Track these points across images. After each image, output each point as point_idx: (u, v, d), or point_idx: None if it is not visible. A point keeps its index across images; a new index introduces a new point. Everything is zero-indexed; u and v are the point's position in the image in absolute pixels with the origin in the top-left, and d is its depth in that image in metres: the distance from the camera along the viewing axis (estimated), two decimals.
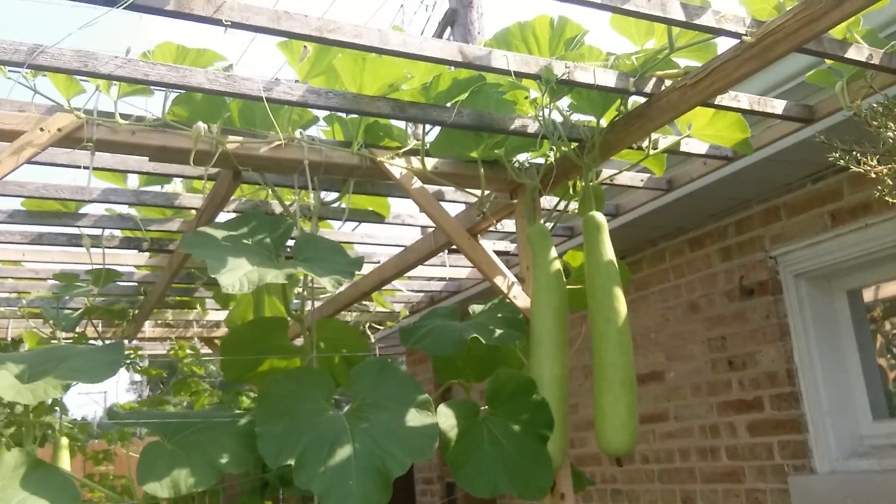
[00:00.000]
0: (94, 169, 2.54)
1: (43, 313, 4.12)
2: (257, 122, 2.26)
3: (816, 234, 3.45)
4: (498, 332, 2.22)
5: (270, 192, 2.87)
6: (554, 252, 2.26)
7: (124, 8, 1.43)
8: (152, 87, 2.05)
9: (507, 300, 2.39)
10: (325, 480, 1.75)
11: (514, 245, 3.85)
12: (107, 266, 3.05)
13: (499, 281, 2.39)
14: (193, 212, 3.04)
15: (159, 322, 4.92)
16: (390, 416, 1.94)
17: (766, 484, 3.72)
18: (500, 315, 2.33)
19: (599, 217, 2.19)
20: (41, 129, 1.89)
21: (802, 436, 3.53)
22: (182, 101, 2.14)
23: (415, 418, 1.96)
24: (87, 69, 1.74)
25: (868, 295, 3.70)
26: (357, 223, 3.57)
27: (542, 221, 2.45)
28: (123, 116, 2.01)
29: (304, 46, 2.03)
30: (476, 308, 2.44)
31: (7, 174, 1.85)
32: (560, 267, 2.26)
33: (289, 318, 2.41)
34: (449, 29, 10.45)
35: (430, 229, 3.47)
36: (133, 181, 2.96)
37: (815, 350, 3.55)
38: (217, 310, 4.84)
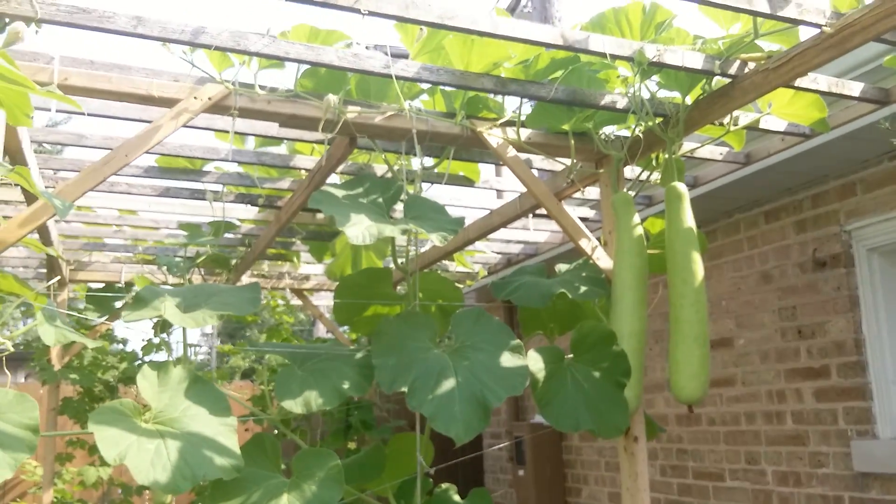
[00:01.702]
0: (217, 131, 2.87)
1: (157, 260, 4.55)
2: (372, 94, 2.53)
3: (891, 209, 3.55)
4: (583, 288, 2.45)
5: (373, 156, 3.16)
6: (636, 218, 2.48)
7: (289, 0, 1.70)
8: (285, 62, 2.33)
9: (591, 261, 2.62)
10: (433, 405, 2.04)
11: (593, 212, 4.06)
12: (226, 219, 3.40)
13: (583, 243, 2.62)
14: (303, 172, 3.35)
15: (255, 273, 5.33)
16: (487, 357, 2.21)
17: (829, 447, 3.88)
18: (584, 274, 2.56)
19: (681, 187, 2.40)
20: (195, 98, 2.20)
21: (867, 403, 3.67)
22: (309, 74, 2.43)
23: (508, 360, 2.23)
24: (239, 47, 2.03)
25: None
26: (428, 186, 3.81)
27: (624, 190, 2.67)
28: (260, 87, 2.31)
29: (420, 29, 2.28)
30: (562, 267, 2.67)
31: (168, 135, 2.17)
32: (641, 232, 2.48)
33: (393, 269, 2.70)
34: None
35: (512, 193, 3.71)
36: (249, 143, 3.29)
37: (883, 321, 3.67)
38: (308, 263, 5.21)
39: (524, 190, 3.61)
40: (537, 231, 4.48)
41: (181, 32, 1.97)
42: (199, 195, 3.47)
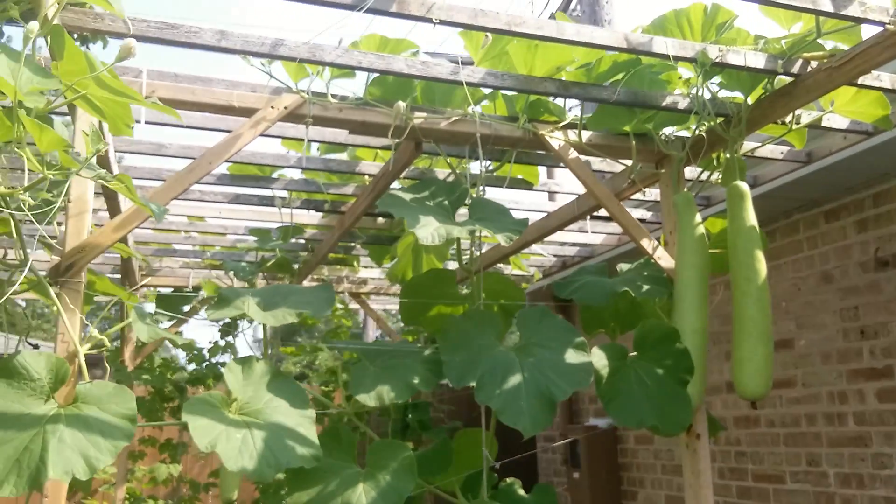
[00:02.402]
0: (286, 139, 2.99)
1: (224, 265, 4.71)
2: (437, 100, 2.61)
3: None
4: (645, 287, 2.50)
5: (434, 160, 3.24)
6: (698, 218, 2.51)
7: (365, 11, 1.80)
8: (355, 71, 2.43)
9: (653, 260, 2.66)
10: (501, 399, 2.11)
11: (649, 213, 4.08)
12: (294, 223, 3.53)
13: (645, 243, 2.66)
14: (366, 177, 3.46)
15: (315, 277, 5.46)
16: (552, 354, 2.28)
17: (892, 449, 3.82)
18: (646, 273, 2.60)
19: (743, 186, 2.42)
20: (272, 107, 2.31)
21: None
22: (377, 82, 2.53)
23: (572, 356, 2.28)
24: (315, 58, 2.14)
25: None
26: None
27: (685, 190, 2.70)
28: (321, 95, 2.41)
29: (486, 36, 2.36)
30: (623, 267, 2.72)
31: (247, 143, 2.29)
32: (703, 231, 2.51)
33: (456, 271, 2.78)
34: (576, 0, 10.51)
35: (564, 195, 3.76)
36: (313, 150, 3.41)
37: None
38: (366, 267, 5.32)
39: (576, 192, 3.67)
40: (593, 233, 4.51)
41: (261, 45, 2.08)
42: (266, 201, 3.61)
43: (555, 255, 5.07)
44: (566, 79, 2.44)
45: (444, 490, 2.57)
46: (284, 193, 3.51)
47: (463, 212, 2.48)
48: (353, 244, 4.56)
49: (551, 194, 3.86)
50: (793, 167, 3.26)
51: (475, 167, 3.09)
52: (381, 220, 4.09)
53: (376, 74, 2.47)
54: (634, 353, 2.43)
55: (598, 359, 2.35)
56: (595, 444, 6.39)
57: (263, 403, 2.05)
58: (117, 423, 1.81)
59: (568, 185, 3.74)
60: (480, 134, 2.56)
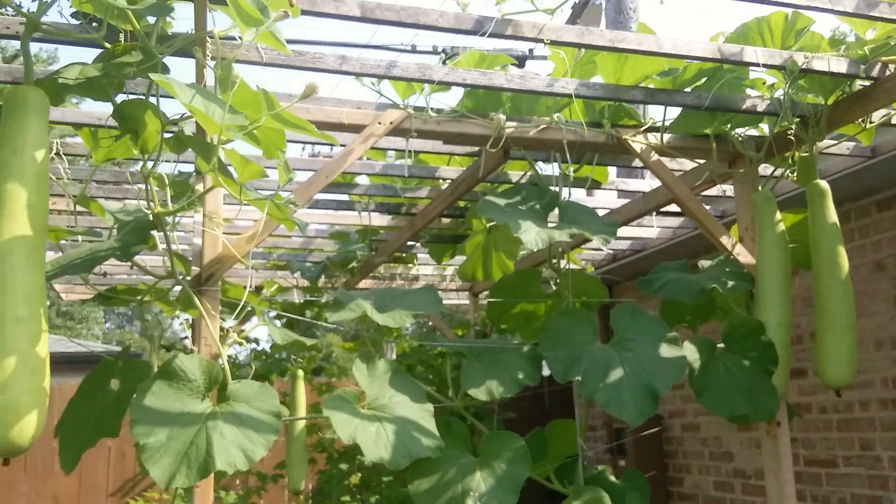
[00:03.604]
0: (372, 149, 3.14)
1: (289, 265, 4.89)
2: (523, 110, 2.76)
3: None
4: (729, 283, 2.63)
5: (509, 164, 3.38)
6: (778, 214, 2.64)
7: (489, 35, 1.94)
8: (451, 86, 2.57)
9: (732, 257, 2.79)
10: (605, 392, 2.26)
11: (707, 207, 4.19)
12: (372, 226, 3.70)
13: (724, 240, 2.79)
14: (440, 182, 3.61)
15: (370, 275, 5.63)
16: (647, 348, 2.42)
17: None
18: (727, 269, 2.73)
19: (824, 184, 2.55)
20: (379, 123, 2.46)
21: None
22: (469, 94, 2.67)
23: (666, 350, 2.42)
24: (424, 77, 2.29)
25: None
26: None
27: (758, 188, 2.83)
28: (421, 109, 2.56)
29: (578, 49, 2.50)
30: (704, 263, 2.85)
31: (358, 157, 2.44)
32: (783, 227, 2.64)
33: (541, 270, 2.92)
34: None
35: (635, 194, 3.89)
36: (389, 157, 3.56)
37: None
38: (423, 264, 5.48)
39: (634, 189, 3.81)
40: (645, 227, 4.64)
41: (377, 67, 2.23)
42: (344, 205, 3.77)
43: (611, 250, 5.21)
44: (651, 86, 2.57)
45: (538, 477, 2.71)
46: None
47: (553, 215, 2.62)
48: (413, 243, 4.72)
49: (621, 192, 3.99)
50: (855, 162, 3.38)
51: (549, 171, 3.22)
52: (445, 220, 4.24)
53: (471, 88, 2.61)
54: (722, 346, 2.57)
55: (690, 352, 2.49)
56: (640, 432, 6.53)
57: (388, 399, 2.21)
58: (266, 419, 1.97)
59: (637, 183, 3.88)
60: (567, 140, 2.70)
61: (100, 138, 2.36)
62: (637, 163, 3.25)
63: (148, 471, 1.84)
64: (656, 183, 3.77)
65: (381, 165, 3.31)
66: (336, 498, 5.09)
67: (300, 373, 4.74)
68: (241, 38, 1.67)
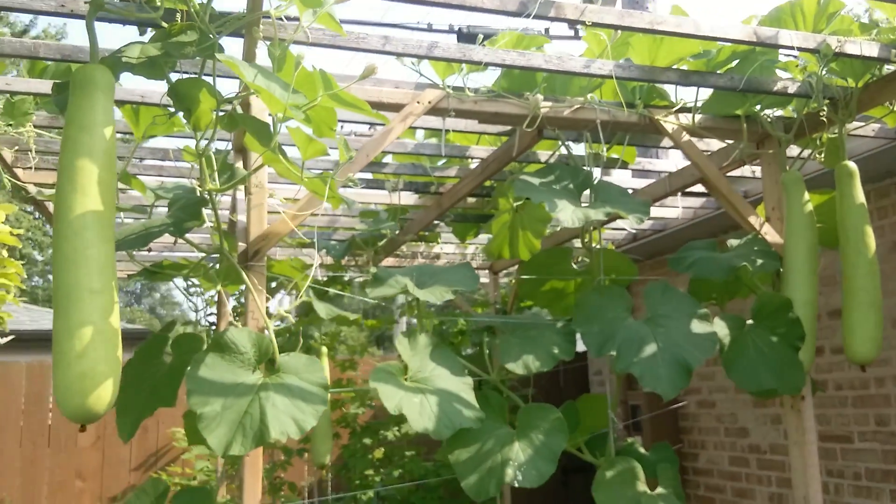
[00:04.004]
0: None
1: (315, 243, 4.96)
2: (557, 90, 2.80)
3: None
4: (759, 261, 2.69)
5: (538, 144, 3.43)
6: (806, 195, 2.69)
7: (533, 17, 1.99)
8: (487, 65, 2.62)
9: (759, 236, 2.84)
10: (640, 366, 2.33)
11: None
12: (401, 205, 3.76)
13: (752, 220, 2.85)
14: (469, 161, 3.66)
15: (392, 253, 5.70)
16: (679, 324, 2.48)
17: None
18: (755, 248, 2.79)
19: (852, 165, 2.60)
20: (417, 102, 2.52)
21: None
22: (505, 74, 2.72)
23: (697, 326, 2.49)
24: (465, 58, 2.34)
25: None
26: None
27: (786, 168, 2.87)
28: (458, 89, 2.61)
29: (614, 31, 2.54)
30: (733, 242, 2.90)
31: (397, 136, 2.50)
32: (811, 207, 2.69)
33: (573, 248, 2.99)
34: None
35: (661, 174, 3.94)
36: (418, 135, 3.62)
37: None
38: (445, 242, 5.55)
39: (650, 169, 3.86)
40: (668, 207, 4.69)
41: (419, 48, 2.28)
42: (372, 184, 3.83)
43: (634, 229, 5.26)
44: (688, 68, 2.61)
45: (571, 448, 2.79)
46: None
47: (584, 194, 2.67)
48: (438, 222, 4.78)
49: (636, 171, 4.03)
50: (879, 143, 3.41)
51: (580, 150, 3.27)
52: (470, 199, 4.29)
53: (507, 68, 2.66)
54: (751, 322, 2.63)
55: (721, 328, 2.55)
56: (655, 409, 6.62)
57: (429, 372, 2.28)
58: (314, 390, 2.05)
59: (661, 163, 3.93)
60: (600, 120, 2.75)
61: (139, 116, 2.41)
62: (666, 142, 3.29)
63: (204, 439, 1.91)
64: (672, 163, 3.82)
65: (413, 144, 3.37)
66: (359, 472, 5.20)
67: (324, 349, 4.82)
68: (298, 18, 1.72)
